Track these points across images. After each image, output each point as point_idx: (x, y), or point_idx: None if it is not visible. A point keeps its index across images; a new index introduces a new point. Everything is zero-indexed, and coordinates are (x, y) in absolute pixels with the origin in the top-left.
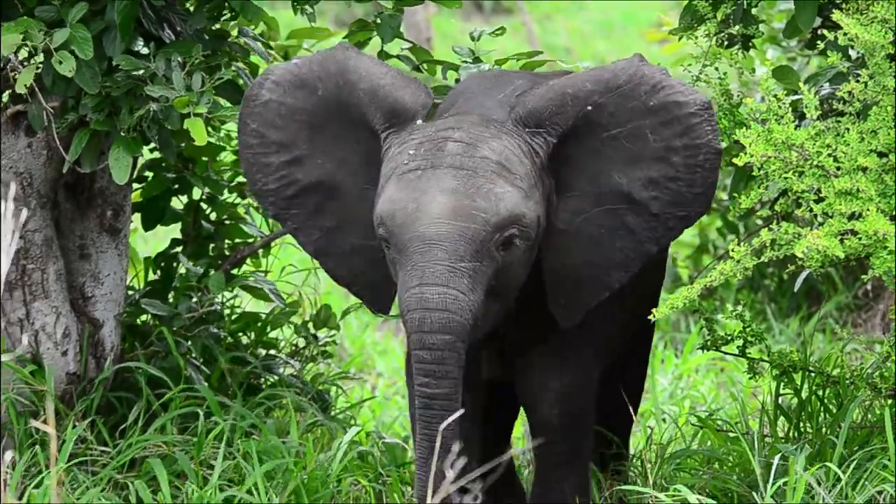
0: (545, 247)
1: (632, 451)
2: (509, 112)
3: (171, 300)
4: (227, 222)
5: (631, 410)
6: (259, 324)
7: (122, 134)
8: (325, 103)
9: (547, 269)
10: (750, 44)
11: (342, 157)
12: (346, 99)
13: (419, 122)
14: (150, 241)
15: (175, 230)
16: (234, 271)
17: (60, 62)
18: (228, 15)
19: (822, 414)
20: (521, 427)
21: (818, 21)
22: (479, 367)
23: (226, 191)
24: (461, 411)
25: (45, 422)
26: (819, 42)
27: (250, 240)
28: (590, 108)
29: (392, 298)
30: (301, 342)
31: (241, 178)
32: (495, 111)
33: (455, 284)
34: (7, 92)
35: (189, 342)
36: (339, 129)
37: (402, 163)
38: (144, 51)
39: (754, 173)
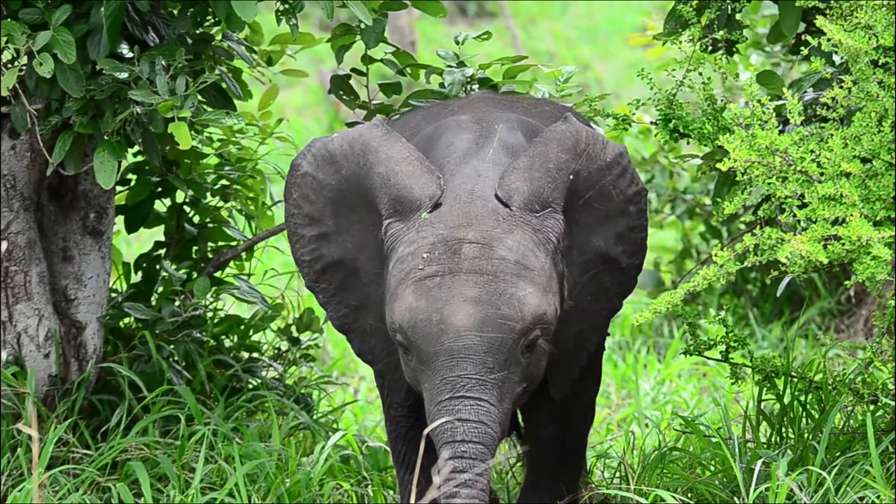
0: None
1: (615, 455)
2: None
3: (154, 303)
4: (211, 225)
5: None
6: (242, 327)
7: (106, 137)
8: (347, 183)
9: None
10: (734, 49)
11: (361, 239)
12: (364, 181)
13: (424, 214)
14: (134, 243)
15: (158, 233)
16: (218, 274)
17: (41, 64)
18: (211, 21)
19: (804, 419)
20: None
21: (802, 26)
22: None
23: (209, 194)
24: None
25: (27, 424)
26: (803, 48)
27: (233, 243)
28: (571, 177)
29: (404, 385)
30: (284, 345)
31: (224, 182)
32: (491, 177)
33: (487, 397)
34: None
35: (171, 346)
36: (359, 209)
37: (417, 267)
38: (128, 54)
39: (738, 178)
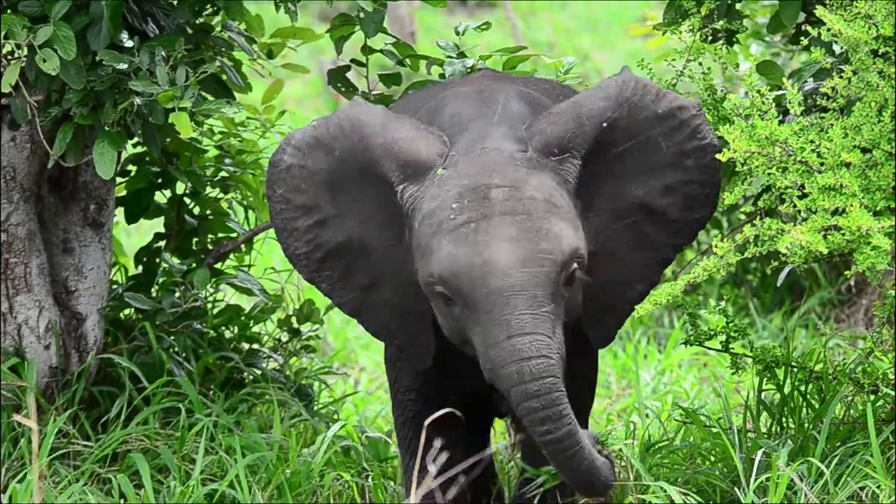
0: None
1: (615, 446)
2: (520, 141)
3: (154, 294)
4: (211, 217)
5: None
6: (242, 318)
7: (106, 128)
8: (343, 162)
9: None
10: (734, 39)
11: (366, 215)
12: (363, 155)
13: (440, 171)
14: (134, 234)
15: (158, 224)
16: (218, 265)
17: (44, 60)
18: (211, 10)
19: (804, 409)
20: (502, 423)
21: (802, 16)
22: (457, 379)
23: (209, 185)
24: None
25: (27, 416)
26: (803, 38)
27: (233, 234)
28: (605, 125)
29: (430, 353)
30: (284, 337)
31: (223, 174)
32: (500, 132)
33: (542, 329)
34: None
35: (172, 337)
36: (359, 186)
37: (448, 218)
38: (129, 45)
39: (738, 169)
